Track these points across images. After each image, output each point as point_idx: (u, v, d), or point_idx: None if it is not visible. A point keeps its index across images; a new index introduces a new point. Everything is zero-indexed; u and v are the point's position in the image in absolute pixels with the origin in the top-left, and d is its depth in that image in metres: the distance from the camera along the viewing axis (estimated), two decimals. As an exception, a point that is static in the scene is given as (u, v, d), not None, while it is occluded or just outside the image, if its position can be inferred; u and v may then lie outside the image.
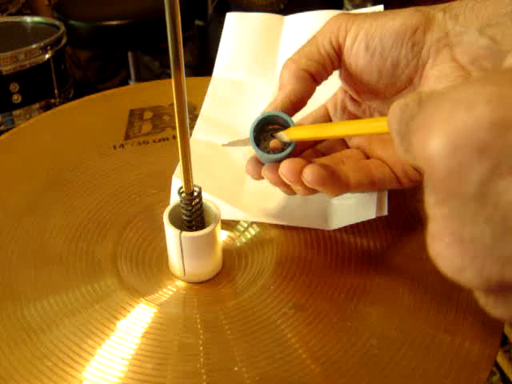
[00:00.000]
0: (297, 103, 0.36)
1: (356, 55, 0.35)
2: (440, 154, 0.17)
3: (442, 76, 0.33)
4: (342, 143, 0.41)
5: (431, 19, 0.34)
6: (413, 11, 0.34)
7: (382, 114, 0.39)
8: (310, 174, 0.34)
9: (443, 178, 0.18)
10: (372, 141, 0.39)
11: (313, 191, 0.36)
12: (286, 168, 0.34)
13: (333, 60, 0.36)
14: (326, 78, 0.38)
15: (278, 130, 0.36)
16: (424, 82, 0.34)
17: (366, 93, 0.38)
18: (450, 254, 0.19)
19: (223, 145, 0.40)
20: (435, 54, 0.33)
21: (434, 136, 0.17)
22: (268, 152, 0.36)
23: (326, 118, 0.42)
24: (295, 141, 0.35)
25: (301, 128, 0.36)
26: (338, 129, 0.34)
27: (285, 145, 0.36)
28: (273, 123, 0.36)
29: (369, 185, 0.37)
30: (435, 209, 0.19)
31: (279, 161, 0.36)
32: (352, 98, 0.40)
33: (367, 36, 0.34)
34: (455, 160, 0.17)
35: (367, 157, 0.40)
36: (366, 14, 0.36)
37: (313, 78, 0.37)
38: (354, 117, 0.41)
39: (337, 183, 0.35)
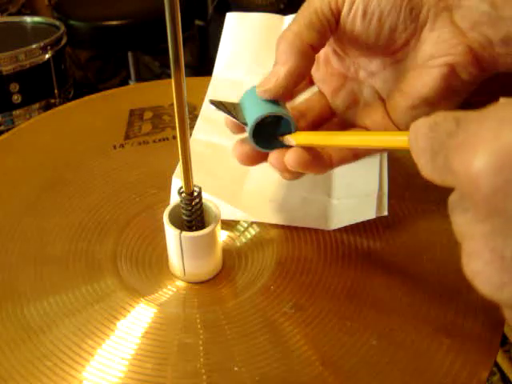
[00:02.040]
0: (299, 81, 0.35)
1: (353, 21, 0.34)
2: (486, 171, 0.18)
3: (440, 41, 0.33)
4: (326, 105, 0.40)
5: None
6: None
7: (368, 72, 0.38)
8: (291, 159, 0.34)
9: (488, 196, 0.18)
10: (355, 108, 0.38)
11: (300, 174, 0.36)
12: (273, 158, 0.35)
13: (331, 27, 0.35)
14: (324, 46, 0.36)
15: (276, 125, 0.35)
16: (421, 44, 0.34)
17: (356, 52, 0.37)
18: (489, 272, 0.19)
19: (210, 101, 0.37)
20: (434, 17, 0.33)
21: (480, 154, 0.18)
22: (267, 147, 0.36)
23: (322, 103, 0.40)
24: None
25: (309, 134, 0.36)
26: (351, 140, 0.33)
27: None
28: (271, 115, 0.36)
29: (352, 158, 0.37)
30: (474, 227, 0.19)
31: None
32: (336, 53, 0.39)
33: (364, 1, 0.33)
34: (501, 178, 0.17)
35: (351, 125, 0.39)
36: None
37: (314, 50, 0.35)
38: (336, 73, 0.39)
39: (320, 164, 0.36)
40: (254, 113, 0.35)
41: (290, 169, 0.35)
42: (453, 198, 0.22)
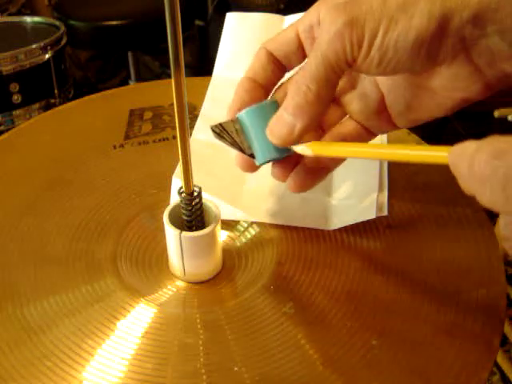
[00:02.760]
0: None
1: (368, 67, 0.32)
2: None
3: (457, 79, 0.32)
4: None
5: (448, 22, 0.30)
6: (425, 17, 0.30)
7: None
8: (292, 185, 0.36)
9: None
10: (350, 93, 0.37)
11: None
12: (275, 173, 0.37)
13: (344, 71, 0.33)
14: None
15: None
16: (438, 75, 0.33)
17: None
18: None
19: (211, 128, 0.36)
20: (451, 58, 0.32)
21: None
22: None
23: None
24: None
25: (329, 145, 0.35)
26: (375, 153, 0.32)
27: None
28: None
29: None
30: None
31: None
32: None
33: (381, 51, 0.31)
34: None
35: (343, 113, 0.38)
36: (372, 8, 0.31)
37: (328, 99, 0.34)
38: None
39: (318, 178, 0.37)
40: (263, 146, 0.35)
41: (292, 191, 0.36)
42: None
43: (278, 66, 0.37)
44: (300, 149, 0.34)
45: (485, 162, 0.22)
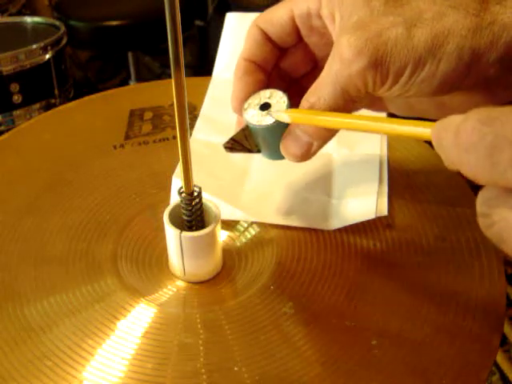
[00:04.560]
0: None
1: (387, 95, 0.32)
2: None
3: (471, 101, 0.32)
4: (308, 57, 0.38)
5: (475, 64, 0.29)
6: (454, 61, 0.29)
7: None
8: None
9: None
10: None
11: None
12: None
13: None
14: None
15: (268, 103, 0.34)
16: (450, 97, 0.33)
17: None
18: None
19: (224, 146, 0.37)
20: (472, 87, 0.31)
21: None
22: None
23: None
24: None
25: (308, 113, 0.32)
26: (354, 124, 0.30)
27: (265, 107, 0.34)
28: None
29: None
30: None
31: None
32: None
33: (403, 88, 0.30)
34: None
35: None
36: (397, 46, 0.29)
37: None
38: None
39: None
40: (272, 154, 0.36)
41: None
42: (495, 194, 0.21)
43: (273, 44, 0.36)
44: (278, 116, 0.33)
45: (472, 128, 0.21)
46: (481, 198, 0.22)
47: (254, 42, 0.36)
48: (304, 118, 0.32)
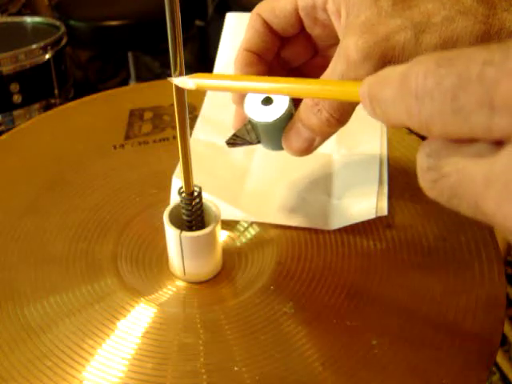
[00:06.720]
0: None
1: None
2: None
3: None
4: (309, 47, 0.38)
5: None
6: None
7: None
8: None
9: None
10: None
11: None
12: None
13: None
14: None
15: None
16: None
17: None
18: None
19: (226, 143, 0.37)
20: None
21: None
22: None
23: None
24: (287, 100, 0.33)
25: (213, 77, 0.29)
26: (265, 87, 0.27)
27: (267, 101, 0.34)
28: None
29: None
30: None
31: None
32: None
33: None
34: None
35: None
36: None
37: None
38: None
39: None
40: (273, 146, 0.36)
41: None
42: (445, 144, 0.19)
43: (275, 34, 0.36)
44: (180, 81, 0.30)
45: (425, 72, 0.18)
46: (427, 150, 0.20)
47: (255, 31, 0.36)
48: (210, 83, 0.29)
